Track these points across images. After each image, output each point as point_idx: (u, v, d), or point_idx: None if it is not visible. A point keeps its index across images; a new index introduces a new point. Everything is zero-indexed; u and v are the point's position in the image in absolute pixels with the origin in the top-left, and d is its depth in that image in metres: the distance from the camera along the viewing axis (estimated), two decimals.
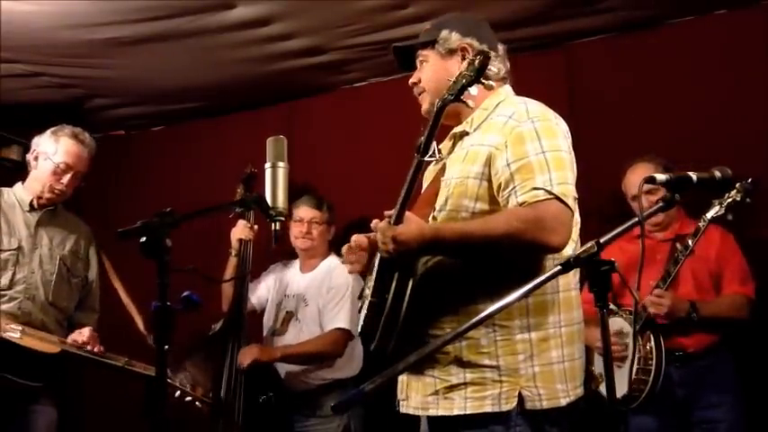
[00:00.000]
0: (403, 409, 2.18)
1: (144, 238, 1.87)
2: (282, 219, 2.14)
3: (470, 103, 2.03)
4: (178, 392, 3.29)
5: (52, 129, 3.33)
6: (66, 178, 3.28)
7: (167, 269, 1.88)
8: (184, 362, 3.43)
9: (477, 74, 1.95)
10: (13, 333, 3.08)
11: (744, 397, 3.16)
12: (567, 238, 1.97)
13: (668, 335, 3.13)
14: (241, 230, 3.73)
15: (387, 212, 2.11)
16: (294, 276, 3.87)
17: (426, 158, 2.02)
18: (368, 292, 2.18)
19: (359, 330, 2.13)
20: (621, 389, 3.05)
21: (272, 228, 2.15)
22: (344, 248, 2.25)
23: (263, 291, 3.90)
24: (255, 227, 3.75)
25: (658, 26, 3.79)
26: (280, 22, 3.68)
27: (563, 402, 2.02)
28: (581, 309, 2.15)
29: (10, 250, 3.22)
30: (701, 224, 3.07)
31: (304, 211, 3.77)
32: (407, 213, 2.03)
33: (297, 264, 3.91)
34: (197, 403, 3.34)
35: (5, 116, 4.60)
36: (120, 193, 4.95)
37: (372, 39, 3.85)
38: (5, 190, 3.36)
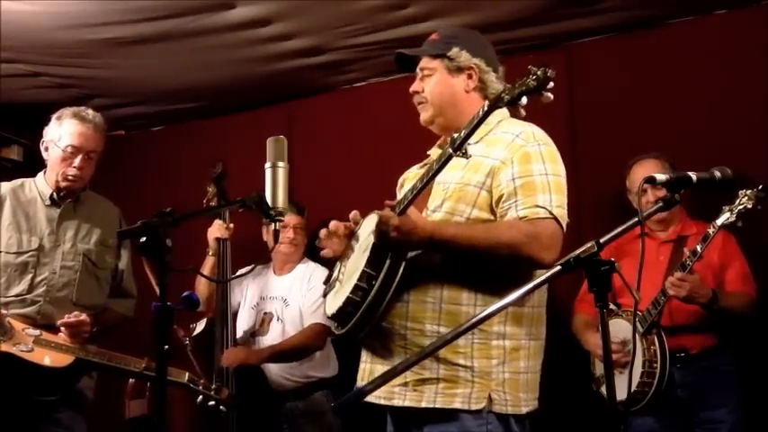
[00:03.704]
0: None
1: (144, 238, 1.87)
2: (282, 219, 2.13)
3: (522, 111, 2.01)
4: (200, 397, 3.12)
5: (56, 114, 3.17)
6: (78, 161, 3.09)
7: (167, 269, 1.88)
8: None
9: (540, 85, 1.90)
10: (24, 345, 2.90)
11: (745, 398, 3.16)
12: (557, 257, 2.03)
13: (670, 336, 3.13)
14: (217, 229, 3.74)
15: (388, 202, 2.14)
16: (270, 279, 3.93)
17: (457, 154, 2.00)
18: (341, 277, 2.21)
19: (333, 313, 2.12)
20: (622, 394, 3.04)
21: (273, 227, 2.15)
22: (322, 232, 2.27)
23: (235, 294, 3.91)
24: (231, 225, 3.77)
25: (658, 26, 3.79)
26: (280, 23, 3.68)
27: (523, 411, 2.11)
28: (545, 326, 2.22)
29: (30, 251, 3.05)
30: (710, 230, 3.04)
31: (289, 218, 3.77)
32: (410, 207, 2.06)
33: (268, 267, 3.96)
34: (221, 407, 3.18)
35: (5, 116, 4.60)
36: (120, 193, 4.93)
37: (372, 39, 3.85)
38: (27, 182, 3.19)
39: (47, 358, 2.93)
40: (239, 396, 3.53)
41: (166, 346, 1.88)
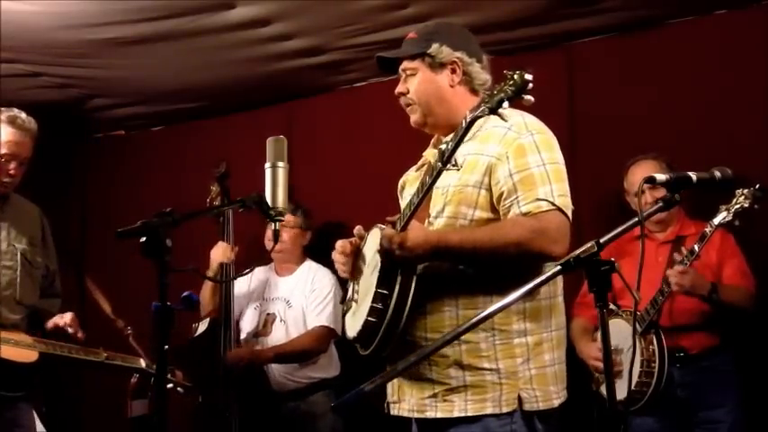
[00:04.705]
0: (394, 412, 2.19)
1: (144, 238, 1.87)
2: (282, 219, 2.13)
3: (506, 115, 1.94)
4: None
5: None
6: (12, 167, 3.11)
7: (167, 269, 1.88)
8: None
9: (518, 90, 1.86)
10: None
11: (745, 398, 3.16)
12: (567, 248, 2.00)
13: (669, 336, 3.14)
14: (222, 253, 3.73)
15: (389, 218, 2.12)
16: (272, 280, 3.91)
17: (447, 168, 1.99)
18: (356, 296, 2.19)
19: (354, 335, 2.11)
20: (621, 394, 3.02)
21: (273, 228, 2.16)
22: (335, 255, 2.26)
23: (240, 301, 3.90)
24: (236, 248, 3.76)
25: (658, 26, 3.79)
26: (280, 23, 3.68)
27: (555, 404, 2.08)
28: (564, 315, 2.20)
29: None
30: (707, 230, 3.06)
31: None
32: (413, 221, 2.04)
33: (271, 268, 3.95)
34: (178, 389, 3.26)
35: None
36: (121, 193, 4.95)
37: (372, 39, 3.85)
38: None
39: (14, 354, 2.96)
40: (241, 396, 3.54)
41: (166, 346, 1.88)
